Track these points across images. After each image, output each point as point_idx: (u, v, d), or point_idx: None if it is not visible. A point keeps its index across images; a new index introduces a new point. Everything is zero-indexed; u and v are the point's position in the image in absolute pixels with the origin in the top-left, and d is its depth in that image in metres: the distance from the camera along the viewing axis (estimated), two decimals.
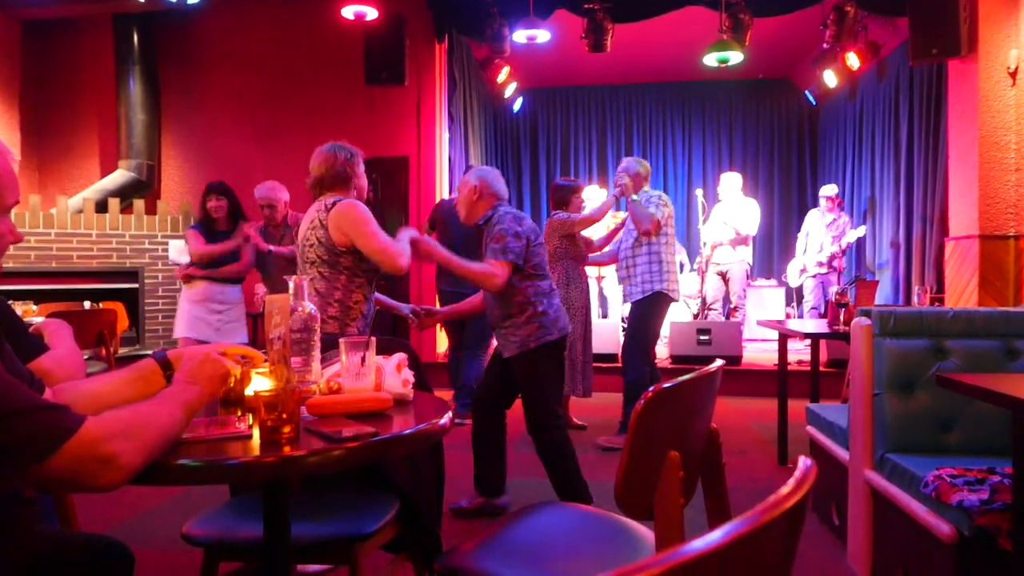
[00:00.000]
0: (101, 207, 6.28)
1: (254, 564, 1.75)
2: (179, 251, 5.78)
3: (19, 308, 5.03)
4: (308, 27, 6.72)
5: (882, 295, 7.41)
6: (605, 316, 7.54)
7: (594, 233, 4.85)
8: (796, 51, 8.53)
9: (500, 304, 2.86)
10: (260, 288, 4.55)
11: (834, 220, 7.44)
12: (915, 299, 3.88)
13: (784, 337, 3.97)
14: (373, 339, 1.55)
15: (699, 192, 7.68)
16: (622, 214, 7.35)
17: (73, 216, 6.11)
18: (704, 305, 7.11)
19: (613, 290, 7.65)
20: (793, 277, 7.78)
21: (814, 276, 7.47)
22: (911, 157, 7.08)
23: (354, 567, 1.64)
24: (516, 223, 2.82)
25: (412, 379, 1.62)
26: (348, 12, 5.89)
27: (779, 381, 3.89)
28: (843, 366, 4.96)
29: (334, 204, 2.55)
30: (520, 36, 6.46)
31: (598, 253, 4.72)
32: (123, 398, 1.33)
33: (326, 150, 2.66)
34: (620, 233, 4.54)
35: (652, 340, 4.30)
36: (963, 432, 2.31)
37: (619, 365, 6.04)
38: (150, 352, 2.25)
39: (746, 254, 7.04)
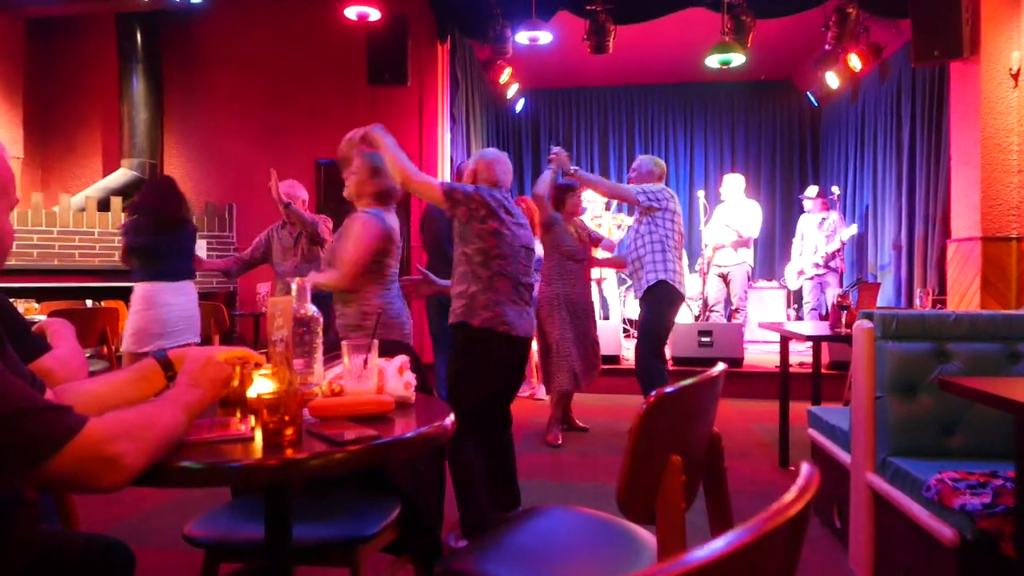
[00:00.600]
0: (104, 206, 6.30)
1: (255, 565, 1.74)
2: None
3: (21, 306, 5.04)
4: (311, 27, 6.73)
5: (884, 297, 7.41)
6: (606, 318, 7.53)
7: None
8: (798, 53, 8.52)
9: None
10: (262, 288, 4.53)
11: (824, 219, 7.45)
12: (917, 301, 3.88)
13: (786, 339, 3.96)
14: (375, 341, 1.54)
15: (700, 194, 7.68)
16: (622, 216, 7.36)
17: (76, 214, 6.12)
18: (705, 307, 7.11)
19: (613, 292, 7.65)
20: (791, 280, 7.78)
21: (812, 278, 7.48)
22: (913, 159, 7.07)
23: (355, 569, 1.64)
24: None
25: (414, 382, 1.62)
26: (351, 13, 5.91)
27: (781, 383, 3.89)
28: (845, 368, 4.94)
29: None
30: (522, 37, 6.47)
31: (608, 255, 4.70)
32: (125, 398, 1.33)
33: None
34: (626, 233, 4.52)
35: (661, 334, 4.16)
36: (965, 435, 2.31)
37: (619, 367, 6.07)
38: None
39: (747, 256, 7.04)
